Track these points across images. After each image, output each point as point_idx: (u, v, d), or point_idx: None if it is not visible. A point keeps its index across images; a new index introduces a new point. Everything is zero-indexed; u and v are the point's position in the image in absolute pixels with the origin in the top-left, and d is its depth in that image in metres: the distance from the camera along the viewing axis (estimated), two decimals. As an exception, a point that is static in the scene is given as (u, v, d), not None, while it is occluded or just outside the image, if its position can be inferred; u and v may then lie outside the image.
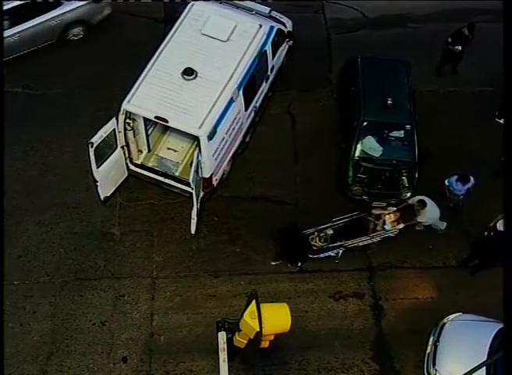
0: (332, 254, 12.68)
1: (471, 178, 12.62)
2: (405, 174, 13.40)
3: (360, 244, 12.64)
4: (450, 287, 12.73)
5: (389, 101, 13.48)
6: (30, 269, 12.55)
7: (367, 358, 12.06)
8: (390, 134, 13.46)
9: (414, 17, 16.33)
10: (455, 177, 12.71)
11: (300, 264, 12.75)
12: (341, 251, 12.64)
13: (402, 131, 13.47)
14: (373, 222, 12.67)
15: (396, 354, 12.12)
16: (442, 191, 12.92)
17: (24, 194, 13.29)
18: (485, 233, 12.14)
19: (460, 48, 14.46)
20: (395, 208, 12.71)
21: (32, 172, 13.58)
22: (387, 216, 12.65)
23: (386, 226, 12.61)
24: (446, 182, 12.85)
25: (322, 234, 12.62)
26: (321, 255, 12.65)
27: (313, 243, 12.60)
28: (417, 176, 13.38)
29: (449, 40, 14.55)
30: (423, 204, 12.24)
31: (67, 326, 12.03)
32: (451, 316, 11.83)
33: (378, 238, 12.68)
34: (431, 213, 12.36)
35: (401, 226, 12.60)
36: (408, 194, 13.32)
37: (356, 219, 12.77)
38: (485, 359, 10.43)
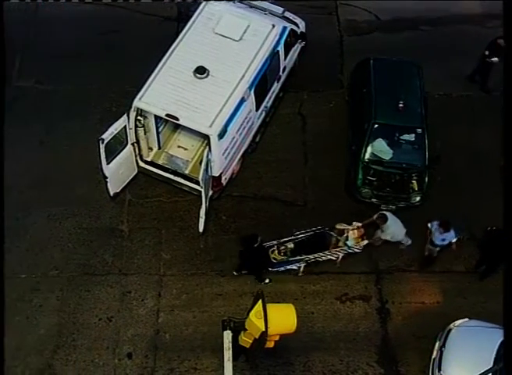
0: (295, 267, 12.49)
1: (452, 230, 11.95)
2: (415, 178, 13.35)
3: (322, 258, 12.47)
4: (457, 292, 12.69)
5: (401, 104, 13.44)
6: (38, 262, 12.62)
7: (372, 361, 12.03)
8: (401, 137, 13.43)
9: (428, 20, 16.25)
10: (438, 222, 12.07)
11: (267, 281, 12.52)
12: (303, 265, 12.45)
13: (413, 135, 13.43)
14: (335, 237, 12.50)
15: (402, 358, 12.09)
16: (424, 234, 12.46)
17: (34, 188, 13.36)
18: (488, 228, 12.10)
19: (497, 59, 14.27)
20: (359, 224, 12.51)
21: (42, 166, 13.65)
22: (350, 232, 12.48)
23: (349, 242, 12.43)
24: (429, 225, 12.25)
25: (283, 248, 12.46)
26: (281, 268, 12.45)
27: (273, 256, 12.39)
28: (427, 180, 13.33)
29: (487, 53, 14.30)
30: (384, 219, 11.99)
31: (73, 321, 12.10)
32: (458, 322, 11.78)
33: (341, 254, 12.49)
34: (392, 228, 12.08)
35: (365, 242, 12.42)
36: (417, 198, 13.29)
37: (318, 233, 12.58)
38: (490, 366, 10.38)
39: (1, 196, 11.06)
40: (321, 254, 12.41)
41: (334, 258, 12.56)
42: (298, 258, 12.40)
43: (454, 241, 12.13)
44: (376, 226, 12.30)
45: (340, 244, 12.47)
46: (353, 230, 12.52)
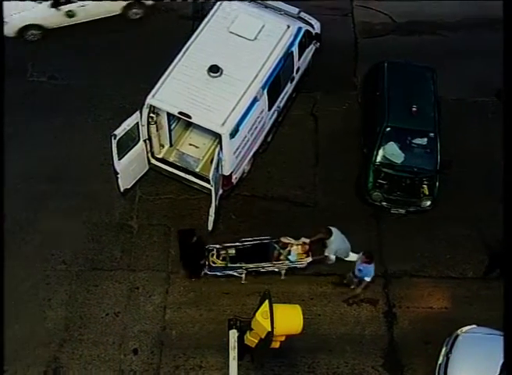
0: (236, 274, 12.27)
1: (372, 266, 11.55)
2: (426, 182, 13.30)
3: (263, 269, 12.23)
4: (466, 298, 12.62)
5: (414, 108, 13.40)
6: (48, 256, 12.70)
7: (377, 365, 12.00)
8: (413, 141, 13.38)
9: (444, 24, 16.17)
10: (362, 252, 11.76)
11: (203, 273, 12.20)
12: (244, 273, 12.26)
13: (425, 139, 13.38)
14: (278, 250, 12.33)
15: (407, 363, 12.05)
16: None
17: (46, 182, 13.44)
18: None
19: None
20: (307, 241, 12.26)
21: (55, 161, 13.73)
22: (294, 247, 12.29)
23: (291, 257, 12.25)
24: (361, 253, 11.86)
25: (223, 252, 12.23)
26: (218, 273, 12.23)
27: (212, 259, 12.20)
28: (438, 184, 13.27)
29: None
30: (328, 233, 11.76)
31: (81, 315, 12.17)
32: (465, 328, 11.73)
33: (284, 267, 12.27)
34: (335, 244, 11.84)
35: (309, 259, 12.22)
36: (428, 203, 13.23)
37: (262, 243, 12.38)
38: (497, 374, 10.32)
39: (1, 196, 11.07)
40: (261, 264, 12.20)
41: (277, 271, 12.32)
42: (237, 265, 12.18)
43: (368, 279, 11.74)
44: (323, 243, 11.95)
45: (282, 257, 12.29)
46: (297, 245, 12.30)
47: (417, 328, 12.32)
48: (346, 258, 12.24)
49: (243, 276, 12.31)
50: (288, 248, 12.35)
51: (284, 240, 12.38)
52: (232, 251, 12.28)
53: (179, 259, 12.40)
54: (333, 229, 11.85)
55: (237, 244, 12.36)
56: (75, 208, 13.21)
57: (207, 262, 12.20)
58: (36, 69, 14.86)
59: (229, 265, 12.17)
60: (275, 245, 12.38)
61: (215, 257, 12.24)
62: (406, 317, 12.47)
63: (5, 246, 12.37)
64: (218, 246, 12.31)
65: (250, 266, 12.20)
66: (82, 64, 14.86)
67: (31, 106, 14.32)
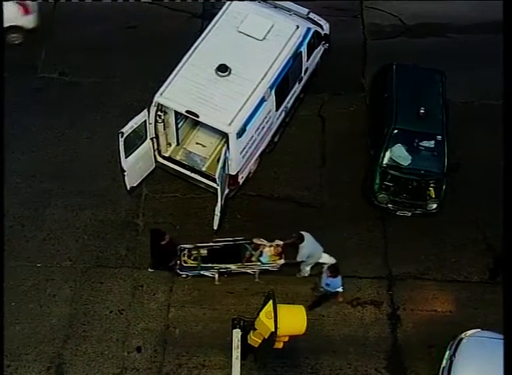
0: (209, 275, 12.22)
1: (339, 278, 11.42)
2: (432, 185, 13.26)
3: (237, 270, 12.18)
4: (470, 302, 12.58)
5: (422, 111, 13.36)
6: (53, 252, 12.75)
7: (380, 367, 11.98)
8: (420, 144, 13.34)
9: (454, 27, 16.12)
10: (328, 265, 11.70)
11: (185, 276, 12.16)
12: (217, 275, 12.19)
13: (432, 141, 13.34)
14: (250, 251, 12.26)
15: (410, 365, 12.02)
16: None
17: (53, 178, 13.50)
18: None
19: None
20: (280, 243, 12.18)
21: (62, 157, 13.79)
22: (266, 249, 12.20)
23: (262, 259, 12.18)
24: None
25: (194, 252, 12.13)
26: (190, 274, 12.18)
27: (184, 259, 12.10)
28: (444, 187, 13.23)
29: None
30: (300, 239, 11.68)
31: (85, 312, 12.20)
32: (469, 332, 11.68)
33: (256, 269, 12.22)
34: (307, 249, 11.77)
35: (282, 261, 12.15)
36: (434, 206, 13.19)
37: (234, 244, 12.32)
38: (500, 378, 10.26)
39: (2, 195, 11.11)
40: (231, 265, 12.15)
41: (251, 273, 12.27)
42: (209, 266, 12.11)
43: (340, 290, 11.68)
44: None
45: (253, 259, 12.23)
46: (270, 247, 12.23)
47: (421, 331, 12.28)
48: (320, 260, 12.15)
49: (216, 276, 12.26)
50: (260, 250, 12.26)
51: (257, 241, 12.33)
52: (204, 252, 12.20)
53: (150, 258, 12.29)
54: (305, 234, 11.79)
55: (209, 244, 12.27)
56: (81, 206, 13.25)
57: (178, 262, 12.13)
58: (46, 65, 14.93)
59: (201, 265, 12.11)
60: (247, 246, 12.32)
61: (186, 257, 12.16)
62: (410, 320, 12.44)
63: (8, 242, 12.57)
64: (189, 246, 12.22)
65: (222, 266, 12.14)
66: (92, 61, 14.89)
67: (40, 102, 14.38)
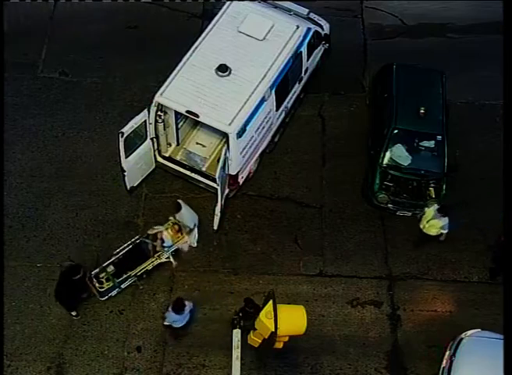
0: (132, 284, 12.17)
1: (186, 307, 11.11)
2: (432, 185, 13.26)
3: (151, 266, 12.15)
4: (470, 302, 12.58)
5: (422, 111, 13.36)
6: (54, 252, 12.74)
7: (380, 367, 11.97)
8: (420, 144, 13.34)
9: (454, 27, 16.12)
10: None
11: (74, 314, 11.91)
12: (136, 280, 12.14)
13: (432, 141, 13.35)
14: (151, 243, 12.19)
15: (411, 365, 12.01)
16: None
17: (53, 178, 13.51)
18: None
19: None
20: (173, 221, 12.17)
21: (62, 157, 13.79)
22: (165, 233, 12.11)
23: (166, 243, 12.10)
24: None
25: (103, 274, 11.93)
26: (114, 292, 12.08)
27: (98, 286, 11.91)
28: (444, 187, 13.23)
29: None
30: (178, 206, 12.08)
31: (85, 312, 12.19)
32: (469, 332, 11.67)
33: (168, 255, 12.14)
34: (183, 216, 12.10)
35: (186, 237, 12.19)
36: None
37: (134, 246, 12.24)
38: (500, 378, 10.26)
39: (2, 195, 11.11)
40: (145, 264, 12.11)
41: (168, 260, 12.21)
42: (125, 276, 12.04)
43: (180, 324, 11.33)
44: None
45: (158, 248, 12.17)
46: (166, 229, 12.15)
47: (421, 331, 12.28)
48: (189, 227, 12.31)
49: (138, 282, 12.24)
50: (159, 238, 12.17)
51: (150, 231, 12.25)
52: (111, 268, 12.04)
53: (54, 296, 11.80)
54: (181, 202, 12.15)
55: (112, 260, 12.12)
56: (81, 205, 13.25)
57: (95, 291, 11.97)
58: (46, 65, 14.93)
59: (116, 281, 12.00)
60: (147, 241, 12.26)
61: (96, 283, 11.93)
62: (410, 320, 12.44)
63: (8, 242, 12.58)
64: (94, 272, 11.97)
65: (137, 270, 12.10)
66: (92, 61, 14.90)
67: (40, 102, 14.39)
